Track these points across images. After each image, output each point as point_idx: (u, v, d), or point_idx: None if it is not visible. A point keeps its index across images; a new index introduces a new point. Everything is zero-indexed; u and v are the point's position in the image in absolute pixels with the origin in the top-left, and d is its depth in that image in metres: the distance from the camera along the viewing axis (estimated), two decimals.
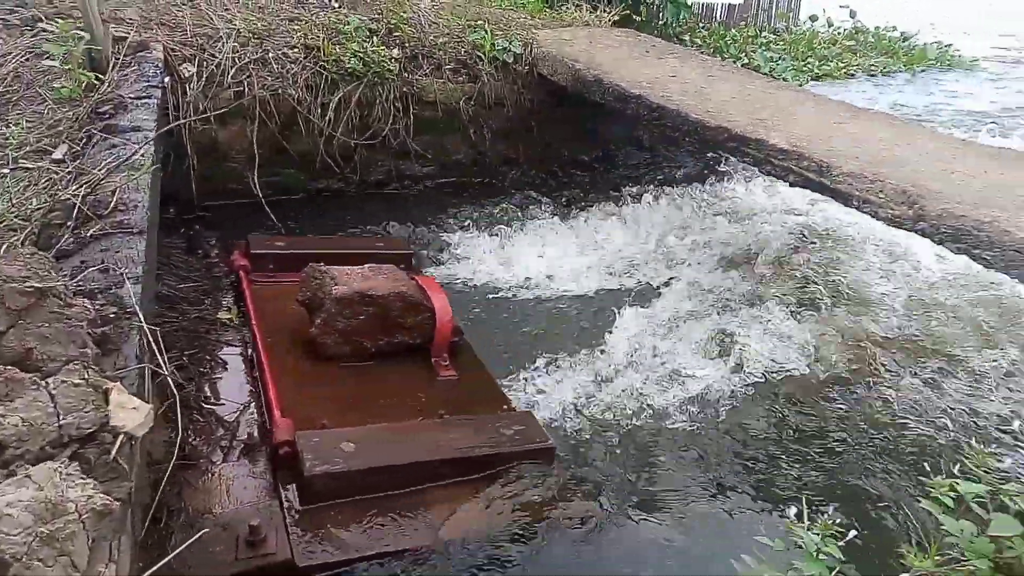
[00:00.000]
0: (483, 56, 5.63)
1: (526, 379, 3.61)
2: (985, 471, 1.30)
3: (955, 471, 1.35)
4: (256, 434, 2.77)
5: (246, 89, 4.90)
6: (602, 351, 3.86)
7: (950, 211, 2.92)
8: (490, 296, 4.49)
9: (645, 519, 2.67)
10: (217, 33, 5.02)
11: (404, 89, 5.39)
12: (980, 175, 3.33)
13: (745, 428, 3.28)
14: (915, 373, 3.62)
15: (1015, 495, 1.23)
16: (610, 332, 4.02)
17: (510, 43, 5.71)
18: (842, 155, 3.56)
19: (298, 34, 5.23)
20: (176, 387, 3.11)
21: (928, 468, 2.43)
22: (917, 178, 3.25)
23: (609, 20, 7.12)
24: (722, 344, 3.79)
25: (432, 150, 5.63)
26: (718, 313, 4.16)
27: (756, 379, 3.57)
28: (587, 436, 3.20)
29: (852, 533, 1.23)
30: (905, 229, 3.12)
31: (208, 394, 3.09)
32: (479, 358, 3.41)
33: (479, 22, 5.91)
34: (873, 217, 3.27)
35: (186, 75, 4.77)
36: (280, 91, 4.96)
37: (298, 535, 2.31)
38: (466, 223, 5.17)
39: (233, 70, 4.90)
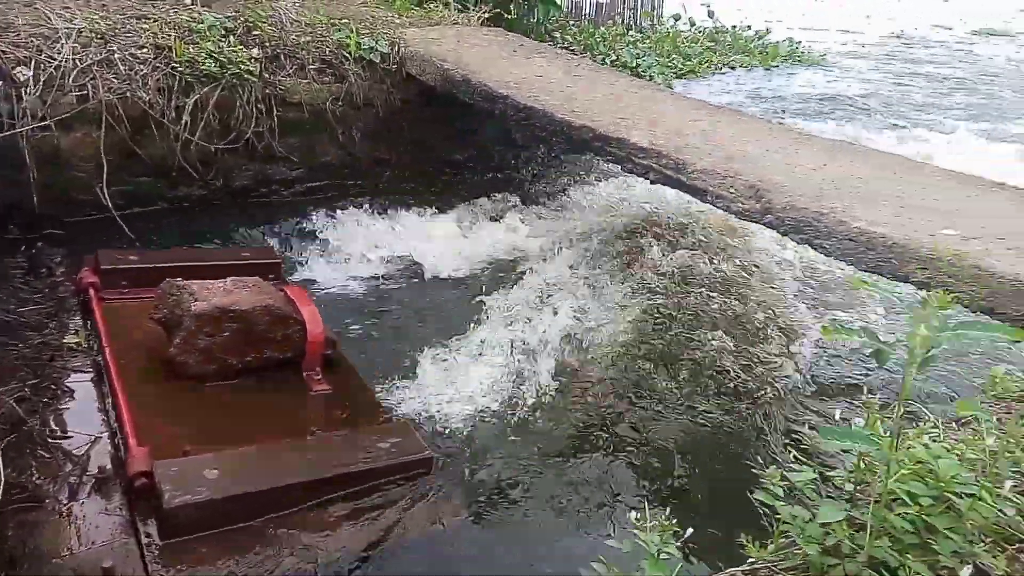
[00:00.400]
0: (349, 56, 5.49)
1: (406, 386, 3.57)
2: (816, 457, 1.39)
3: (790, 457, 1.44)
4: (110, 466, 2.59)
5: (90, 93, 4.55)
6: (481, 352, 3.88)
7: (793, 204, 3.13)
8: (367, 300, 4.42)
9: (511, 524, 2.71)
10: (56, 33, 4.64)
11: (266, 91, 5.18)
12: (820, 168, 3.59)
13: (589, 426, 3.38)
14: (747, 358, 3.85)
15: (842, 479, 1.33)
16: (488, 329, 4.05)
17: (376, 42, 5.61)
18: (697, 152, 3.73)
19: (147, 33, 4.91)
20: (17, 421, 2.86)
21: (762, 457, 2.60)
22: (764, 173, 3.46)
23: (478, 19, 7.13)
24: (579, 339, 3.92)
25: (300, 153, 5.45)
26: (584, 307, 4.28)
27: (605, 374, 3.70)
28: (464, 438, 3.20)
29: (690, 530, 1.29)
30: (755, 222, 3.31)
31: (54, 427, 2.87)
32: (355, 369, 3.33)
33: (343, 20, 5.76)
34: (726, 211, 3.45)
35: (21, 79, 4.39)
36: (129, 94, 4.64)
37: (159, 574, 2.18)
38: (338, 227, 5.05)
39: (75, 73, 4.54)
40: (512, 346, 3.87)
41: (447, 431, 3.22)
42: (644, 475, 3.07)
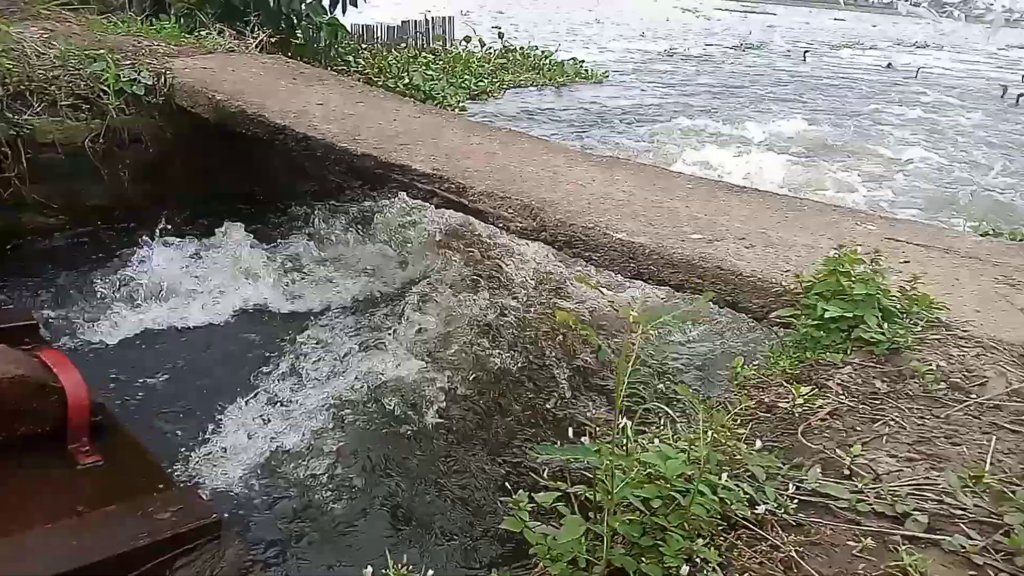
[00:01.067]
0: (108, 89, 5.06)
1: (191, 445, 3.33)
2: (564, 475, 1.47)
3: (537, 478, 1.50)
4: None
5: None
6: (270, 399, 3.72)
7: (564, 220, 3.31)
8: (143, 355, 4.07)
9: None
10: None
11: (11, 132, 4.63)
12: (589, 184, 3.83)
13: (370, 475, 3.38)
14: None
15: (585, 493, 1.40)
16: (272, 380, 3.89)
17: (139, 73, 5.21)
18: (478, 175, 3.84)
19: None
20: None
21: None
22: (540, 192, 3.64)
23: (257, 46, 6.88)
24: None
25: (59, 198, 4.93)
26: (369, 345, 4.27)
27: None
28: (251, 495, 3.05)
29: (430, 573, 1.31)
30: (533, 239, 3.47)
31: None
32: (131, 435, 3.05)
33: (100, 51, 5.30)
34: (507, 231, 3.59)
35: None
36: None
37: None
38: (109, 276, 4.62)
39: None
40: (296, 397, 3.76)
41: (235, 490, 3.05)
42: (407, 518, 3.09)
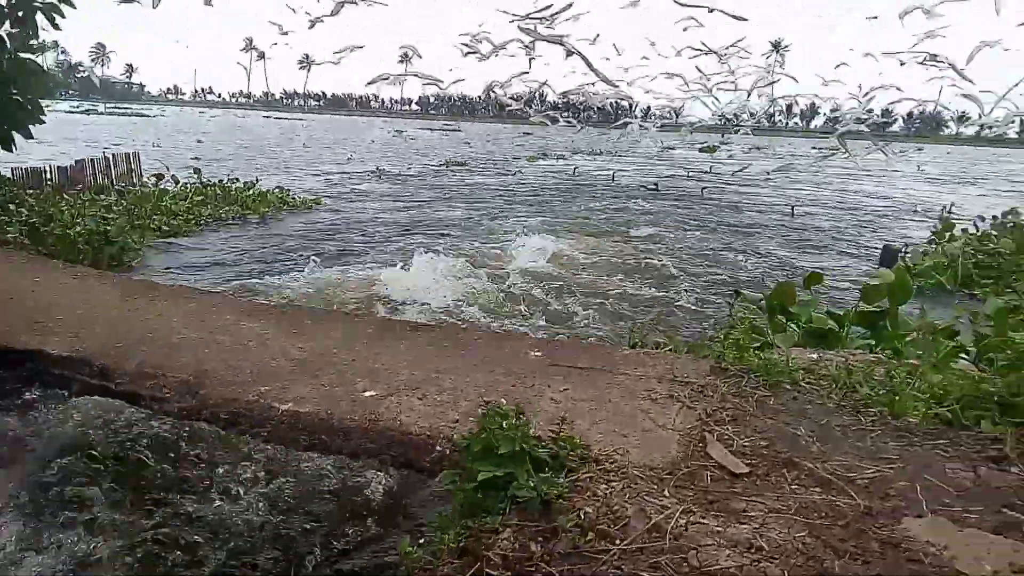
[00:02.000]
0: None
1: None
2: None
3: None
4: None
5: None
6: None
7: (226, 395, 3.00)
8: None
9: None
10: None
11: None
12: (260, 343, 3.57)
13: None
14: None
15: None
16: None
17: None
18: (130, 350, 3.38)
19: None
20: None
21: None
22: (203, 362, 3.29)
23: None
24: None
25: None
26: None
27: None
28: None
29: None
30: (195, 419, 3.08)
31: None
32: None
33: None
34: (166, 415, 3.16)
35: None
36: None
37: None
38: None
39: None
40: None
41: None
42: None
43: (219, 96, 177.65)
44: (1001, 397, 2.98)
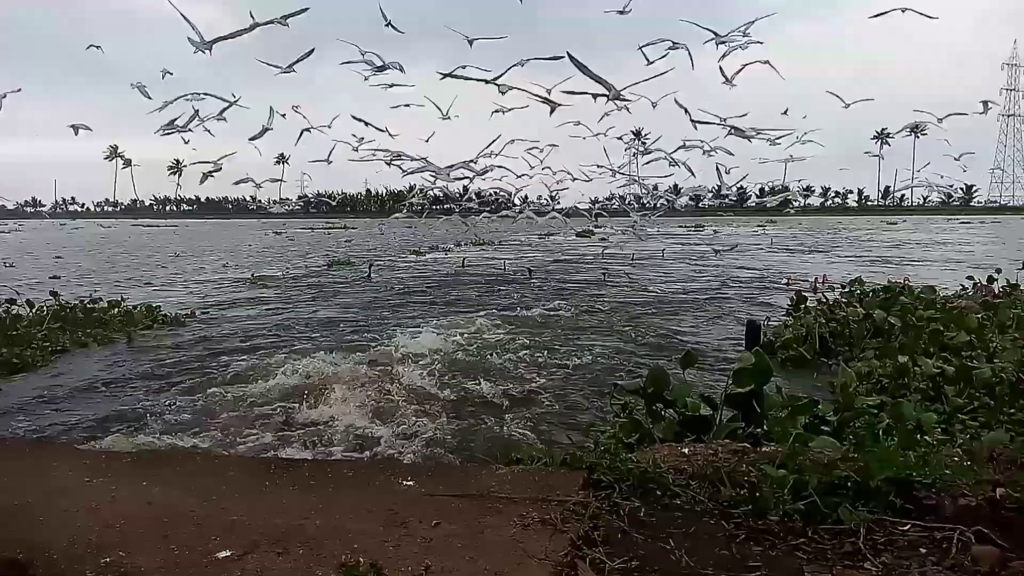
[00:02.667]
0: None
1: None
2: None
3: None
4: None
5: None
6: None
7: (63, 572, 2.69)
8: None
9: None
10: None
11: None
12: (108, 501, 3.26)
13: None
14: None
15: None
16: None
17: None
18: None
19: None
20: None
21: None
22: (37, 531, 2.96)
23: None
24: None
25: None
26: None
27: None
28: None
29: None
30: None
31: None
32: None
33: None
34: None
35: None
36: None
37: None
38: None
39: None
40: None
41: None
42: None
43: (82, 206, 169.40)
44: (854, 481, 3.15)
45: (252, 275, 25.07)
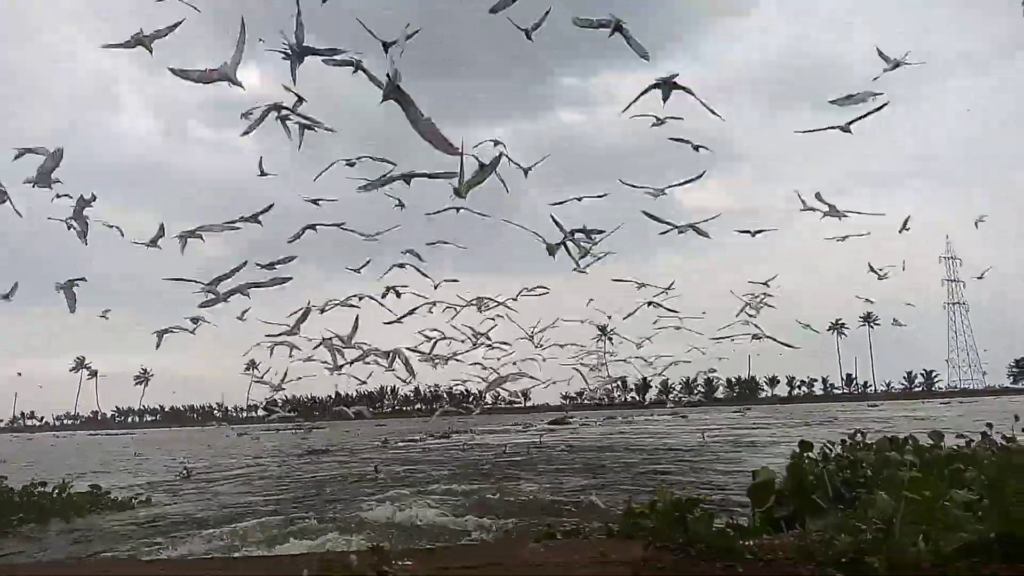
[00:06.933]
0: None
1: None
2: None
3: None
4: None
5: None
6: None
7: None
8: None
9: None
10: None
11: None
12: None
13: None
14: None
15: None
16: None
17: None
18: None
19: None
20: None
21: None
22: None
23: None
24: None
25: None
26: None
27: None
28: None
29: None
30: None
31: None
32: None
33: None
34: None
35: None
36: None
37: None
38: None
39: None
40: None
41: None
42: None
43: (41, 419, 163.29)
44: None
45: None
